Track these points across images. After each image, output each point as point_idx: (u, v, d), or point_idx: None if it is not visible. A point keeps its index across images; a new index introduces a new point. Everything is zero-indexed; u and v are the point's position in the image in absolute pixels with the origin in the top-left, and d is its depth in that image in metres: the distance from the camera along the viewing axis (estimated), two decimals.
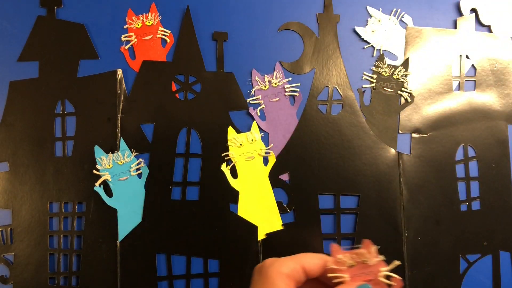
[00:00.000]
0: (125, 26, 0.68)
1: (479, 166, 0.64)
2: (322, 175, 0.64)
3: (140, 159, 0.64)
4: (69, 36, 0.67)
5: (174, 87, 0.66)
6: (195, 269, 0.63)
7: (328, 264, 0.44)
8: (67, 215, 0.64)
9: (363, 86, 0.66)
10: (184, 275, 0.63)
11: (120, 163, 0.64)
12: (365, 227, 0.63)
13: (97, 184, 0.63)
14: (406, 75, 0.65)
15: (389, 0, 0.67)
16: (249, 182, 0.64)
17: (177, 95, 0.66)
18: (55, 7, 0.68)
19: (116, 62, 0.67)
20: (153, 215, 0.63)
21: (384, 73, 0.66)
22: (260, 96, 0.66)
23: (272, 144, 0.65)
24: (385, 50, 0.66)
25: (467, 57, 0.66)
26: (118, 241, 0.63)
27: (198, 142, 0.65)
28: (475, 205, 0.64)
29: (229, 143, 0.64)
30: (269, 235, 0.63)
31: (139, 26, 0.67)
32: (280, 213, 0.64)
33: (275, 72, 0.66)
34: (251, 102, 0.66)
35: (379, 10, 0.67)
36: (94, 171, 0.63)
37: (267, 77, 0.66)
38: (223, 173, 0.64)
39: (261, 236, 0.63)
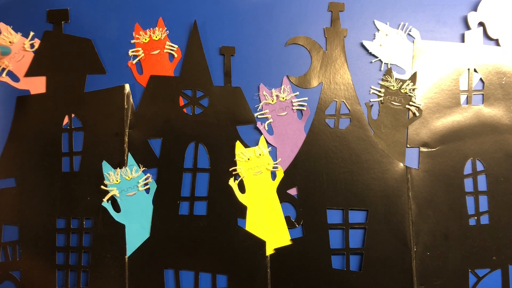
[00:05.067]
0: (132, 41, 0.68)
1: (488, 180, 0.64)
2: (331, 190, 0.64)
3: (148, 174, 0.64)
4: (76, 51, 0.67)
5: (181, 101, 0.66)
6: (203, 285, 0.63)
7: None
8: (74, 230, 0.64)
9: (371, 100, 0.66)
10: None
11: (128, 178, 0.64)
12: (374, 242, 0.62)
13: (105, 199, 0.63)
14: (414, 89, 0.65)
15: (396, 14, 0.67)
16: (257, 197, 0.64)
17: (184, 109, 0.66)
18: (62, 22, 0.68)
19: (123, 77, 0.67)
20: (161, 230, 0.63)
21: (392, 87, 0.65)
22: (267, 111, 0.66)
23: (280, 159, 0.65)
24: (392, 64, 0.66)
25: (475, 70, 0.66)
26: (126, 257, 0.63)
27: (205, 157, 0.65)
28: (484, 220, 0.64)
29: (236, 157, 0.64)
30: (277, 250, 0.63)
31: (146, 41, 0.67)
32: (288, 228, 0.63)
33: (282, 87, 0.66)
34: (258, 116, 0.66)
35: (386, 24, 0.67)
36: (102, 187, 0.63)
37: (274, 92, 0.66)
38: (231, 188, 0.64)
39: (269, 251, 0.63)
